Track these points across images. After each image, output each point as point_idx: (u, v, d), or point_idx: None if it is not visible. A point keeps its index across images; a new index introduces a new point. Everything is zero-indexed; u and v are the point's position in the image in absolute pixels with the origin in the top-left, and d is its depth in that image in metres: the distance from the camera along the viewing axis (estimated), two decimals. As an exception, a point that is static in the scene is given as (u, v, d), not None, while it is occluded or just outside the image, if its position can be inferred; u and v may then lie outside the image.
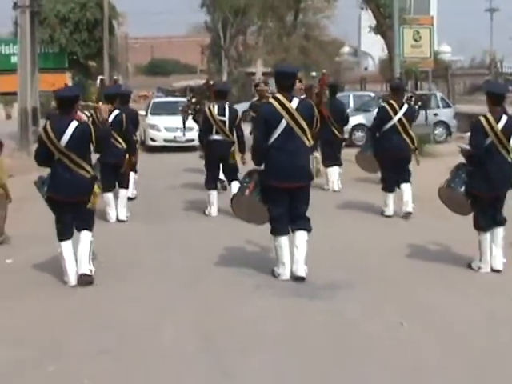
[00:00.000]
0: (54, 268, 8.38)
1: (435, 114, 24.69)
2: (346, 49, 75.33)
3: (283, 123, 7.73)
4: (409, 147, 11.44)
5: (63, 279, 7.96)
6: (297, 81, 13.27)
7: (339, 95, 17.80)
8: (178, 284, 7.92)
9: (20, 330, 6.50)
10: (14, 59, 29.97)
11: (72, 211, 7.99)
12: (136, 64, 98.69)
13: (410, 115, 11.59)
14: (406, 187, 11.51)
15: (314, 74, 12.67)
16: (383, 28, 25.39)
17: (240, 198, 8.28)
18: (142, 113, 22.19)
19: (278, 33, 52.44)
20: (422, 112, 21.16)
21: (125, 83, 45.25)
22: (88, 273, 7.95)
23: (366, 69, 77.89)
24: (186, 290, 7.73)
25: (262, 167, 8.04)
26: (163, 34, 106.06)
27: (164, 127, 23.68)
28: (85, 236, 8.06)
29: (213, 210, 11.89)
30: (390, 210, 11.49)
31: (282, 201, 7.92)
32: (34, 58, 23.28)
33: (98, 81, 11.45)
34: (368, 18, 28.36)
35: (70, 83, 36.01)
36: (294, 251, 7.94)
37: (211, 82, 13.84)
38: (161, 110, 25.14)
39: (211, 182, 12.03)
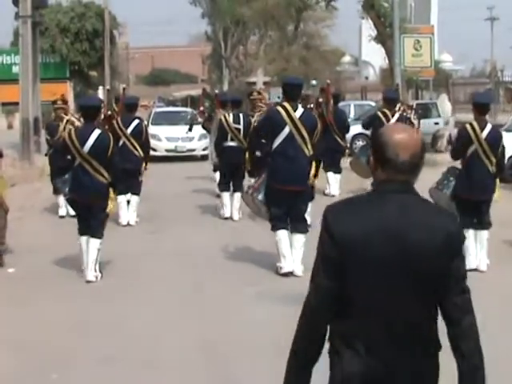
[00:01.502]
0: (55, 276, 8.44)
1: (436, 123, 24.69)
2: (347, 58, 75.17)
3: (286, 130, 8.28)
4: None
5: (65, 288, 8.01)
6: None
7: (340, 104, 17.93)
8: (181, 291, 7.95)
9: (23, 338, 6.52)
10: (15, 69, 29.96)
11: (89, 212, 8.35)
12: (137, 74, 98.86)
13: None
14: None
15: (314, 82, 12.64)
16: (384, 37, 25.36)
17: (246, 195, 9.03)
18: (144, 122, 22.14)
19: (278, 42, 52.50)
20: (424, 121, 21.18)
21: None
22: (93, 280, 8.26)
23: (366, 78, 77.81)
24: (188, 297, 7.76)
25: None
26: (164, 44, 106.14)
27: (165, 137, 23.58)
28: (93, 243, 8.32)
29: (226, 211, 12.37)
30: None
31: (284, 201, 8.43)
32: (36, 67, 23.30)
33: (106, 91, 11.52)
34: (369, 28, 28.35)
35: (71, 93, 36.08)
36: (293, 252, 8.43)
37: (216, 91, 14.28)
38: (162, 119, 25.12)
39: (224, 184, 12.51)
